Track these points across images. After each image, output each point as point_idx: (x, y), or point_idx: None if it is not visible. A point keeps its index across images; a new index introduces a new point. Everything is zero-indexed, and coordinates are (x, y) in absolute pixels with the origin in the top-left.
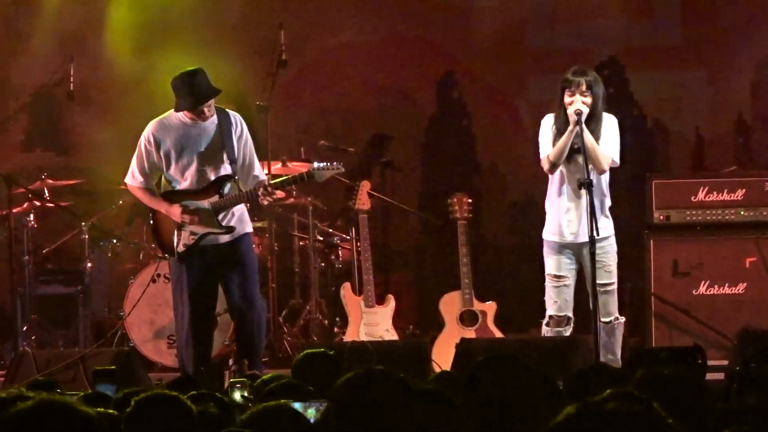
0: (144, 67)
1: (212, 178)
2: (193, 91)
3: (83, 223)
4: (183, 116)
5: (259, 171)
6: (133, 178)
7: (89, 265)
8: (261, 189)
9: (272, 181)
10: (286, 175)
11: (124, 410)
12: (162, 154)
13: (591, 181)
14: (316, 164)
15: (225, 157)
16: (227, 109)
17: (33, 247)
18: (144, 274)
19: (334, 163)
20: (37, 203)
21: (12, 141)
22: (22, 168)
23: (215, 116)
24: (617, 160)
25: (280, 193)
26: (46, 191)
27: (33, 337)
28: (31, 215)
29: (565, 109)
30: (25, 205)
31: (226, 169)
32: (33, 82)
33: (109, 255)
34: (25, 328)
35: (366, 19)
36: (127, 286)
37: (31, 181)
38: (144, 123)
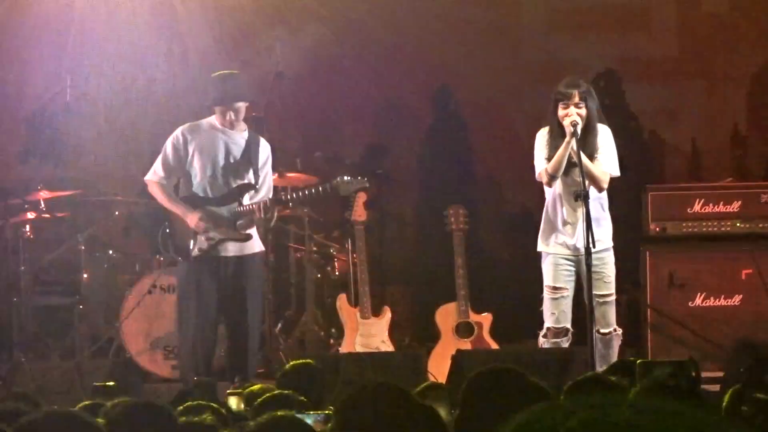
0: (142, 79)
1: (233, 186)
2: (225, 88)
3: (79, 235)
4: (214, 122)
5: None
6: (153, 173)
7: (85, 276)
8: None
9: (296, 191)
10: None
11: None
12: (188, 154)
13: (587, 192)
14: (341, 177)
15: (249, 169)
16: (261, 137)
17: (29, 258)
18: (140, 285)
19: (358, 177)
20: (33, 214)
21: (9, 152)
22: (18, 179)
23: (246, 132)
24: (617, 171)
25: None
26: (42, 202)
27: (28, 348)
28: (28, 226)
29: (559, 122)
30: (21, 216)
31: (248, 179)
32: (30, 94)
33: (106, 266)
34: (20, 339)
35: (362, 31)
36: (123, 298)
37: (28, 192)
38: (142, 135)
